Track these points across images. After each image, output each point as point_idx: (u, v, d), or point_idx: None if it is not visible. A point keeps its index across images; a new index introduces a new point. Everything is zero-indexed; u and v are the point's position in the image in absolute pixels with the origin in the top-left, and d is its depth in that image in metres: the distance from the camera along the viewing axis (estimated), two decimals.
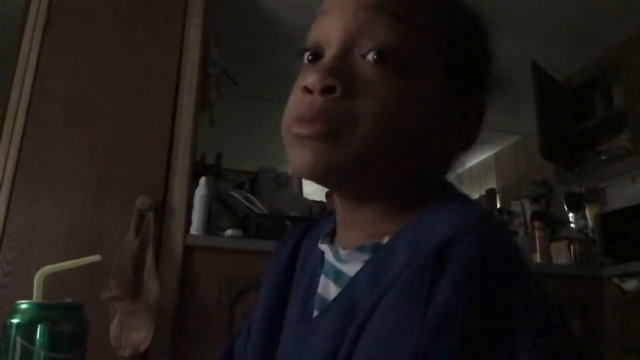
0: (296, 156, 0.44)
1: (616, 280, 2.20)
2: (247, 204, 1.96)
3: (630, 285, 2.16)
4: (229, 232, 1.80)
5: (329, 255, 0.50)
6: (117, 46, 1.92)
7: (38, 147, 1.76)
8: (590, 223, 2.78)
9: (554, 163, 2.96)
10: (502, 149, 4.11)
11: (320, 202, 2.18)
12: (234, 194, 2.03)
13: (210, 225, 1.84)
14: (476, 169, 4.39)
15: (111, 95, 1.87)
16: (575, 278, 2.17)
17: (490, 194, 3.78)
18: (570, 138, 2.96)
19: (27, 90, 1.79)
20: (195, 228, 1.79)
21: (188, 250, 1.75)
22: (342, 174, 0.44)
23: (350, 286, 0.44)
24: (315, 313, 0.48)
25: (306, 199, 2.19)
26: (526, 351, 0.31)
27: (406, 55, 0.44)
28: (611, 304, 2.16)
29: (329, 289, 0.48)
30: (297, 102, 0.45)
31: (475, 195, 4.10)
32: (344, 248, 0.49)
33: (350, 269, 0.46)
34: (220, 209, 1.97)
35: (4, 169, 1.72)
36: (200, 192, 1.82)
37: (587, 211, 2.86)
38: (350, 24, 0.45)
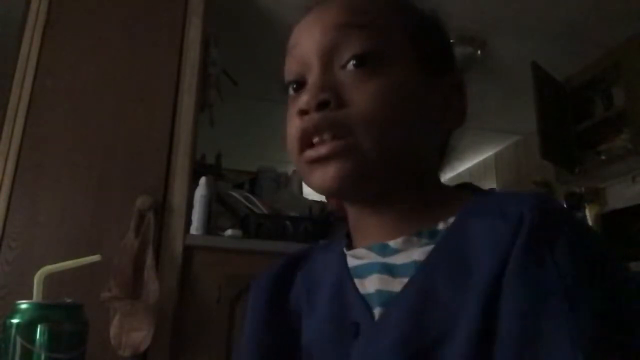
0: (319, 176, 0.46)
1: None
2: (247, 204, 1.96)
3: None
4: (229, 232, 1.80)
5: (367, 255, 0.50)
6: (117, 46, 1.92)
7: (38, 147, 1.76)
8: (590, 223, 2.78)
9: (554, 163, 2.97)
10: (502, 149, 4.11)
11: (320, 202, 2.18)
12: (234, 194, 2.03)
13: (210, 225, 1.84)
14: (476, 169, 4.39)
15: (111, 95, 1.87)
16: None
17: None
18: (570, 138, 2.96)
19: (27, 90, 1.79)
20: (195, 228, 1.79)
21: (188, 250, 1.75)
22: (368, 181, 0.47)
23: (422, 271, 0.45)
24: (378, 310, 0.47)
25: (306, 199, 2.19)
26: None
27: (381, 55, 0.47)
28: None
29: (389, 282, 0.47)
30: (297, 126, 0.47)
31: None
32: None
33: (406, 257, 0.47)
34: (220, 209, 1.97)
35: (4, 169, 1.72)
36: (200, 192, 1.82)
37: (587, 211, 2.86)
38: (323, 44, 0.48)
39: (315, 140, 0.46)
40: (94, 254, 0.57)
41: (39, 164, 1.75)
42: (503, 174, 4.07)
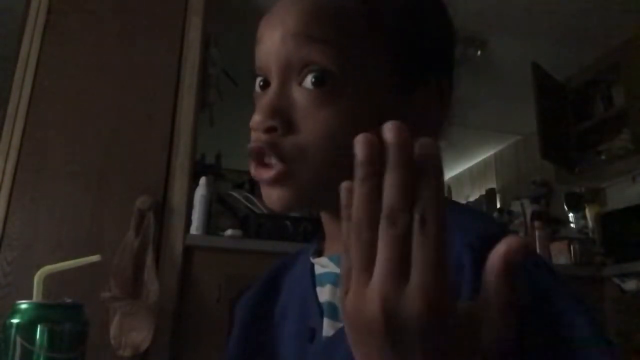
0: (265, 197, 0.48)
1: (616, 280, 2.20)
2: (247, 204, 1.96)
3: (630, 285, 2.16)
4: (229, 232, 1.80)
5: (328, 264, 0.51)
6: (117, 46, 1.92)
7: (38, 147, 1.76)
8: (590, 223, 2.78)
9: (554, 163, 2.96)
10: (502, 149, 4.11)
11: None
12: (234, 194, 2.03)
13: (210, 225, 1.84)
14: (476, 169, 4.39)
15: (111, 95, 1.87)
16: (576, 278, 2.17)
17: (490, 194, 3.78)
18: (570, 138, 2.96)
19: (27, 90, 1.79)
20: (195, 228, 1.79)
21: (188, 250, 1.75)
22: (307, 203, 0.49)
23: None
24: (326, 321, 0.48)
25: None
26: None
27: (343, 73, 0.44)
28: (611, 304, 2.16)
29: (337, 295, 0.49)
30: (252, 138, 0.47)
31: (475, 195, 4.11)
32: None
33: None
34: (220, 209, 1.97)
35: (4, 169, 1.72)
36: (200, 192, 1.82)
37: (587, 211, 2.86)
38: (281, 55, 0.46)
39: (265, 160, 0.46)
40: (94, 254, 0.56)
41: (39, 164, 1.75)
42: (503, 174, 4.07)
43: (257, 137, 0.46)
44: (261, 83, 0.49)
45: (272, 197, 0.46)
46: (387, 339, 0.28)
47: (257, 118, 0.45)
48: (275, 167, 0.45)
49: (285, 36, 0.45)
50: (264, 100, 0.46)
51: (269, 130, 0.45)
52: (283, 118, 0.45)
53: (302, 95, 0.45)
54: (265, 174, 0.45)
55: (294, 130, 0.45)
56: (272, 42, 0.46)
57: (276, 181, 0.45)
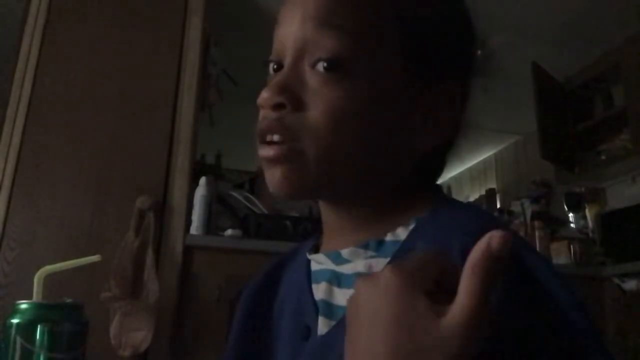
0: (269, 179, 0.47)
1: (616, 280, 2.20)
2: (247, 204, 1.96)
3: (630, 285, 2.16)
4: (229, 232, 1.80)
5: (325, 261, 0.50)
6: (117, 46, 1.92)
7: (38, 147, 1.76)
8: (590, 223, 2.78)
9: (554, 163, 2.96)
10: (502, 149, 4.11)
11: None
12: (234, 194, 2.03)
13: (210, 225, 1.84)
14: (476, 169, 4.39)
15: (111, 95, 1.87)
16: (575, 278, 2.17)
17: (490, 194, 3.78)
18: (570, 138, 2.96)
19: (27, 90, 1.79)
20: (195, 228, 1.79)
21: (188, 250, 1.75)
22: (313, 188, 0.47)
23: None
24: (321, 320, 0.47)
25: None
26: None
27: (355, 61, 0.45)
28: (611, 304, 2.16)
29: (333, 293, 0.48)
30: (260, 117, 0.47)
31: (475, 195, 4.10)
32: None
33: (351, 268, 0.47)
34: (220, 209, 1.97)
35: (4, 169, 1.72)
36: (200, 192, 1.82)
37: (587, 211, 2.86)
38: (298, 36, 0.46)
39: (268, 138, 0.46)
40: (94, 254, 0.56)
41: (39, 164, 1.75)
42: (503, 174, 4.07)
43: (264, 115, 0.46)
44: (275, 66, 0.49)
45: (277, 177, 0.45)
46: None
47: (265, 95, 0.45)
48: (281, 143, 0.45)
49: (304, 19, 0.46)
50: (276, 77, 0.47)
51: (277, 107, 0.45)
52: (292, 95, 0.45)
53: (314, 78, 0.45)
54: (271, 151, 0.45)
55: (303, 108, 0.45)
56: (292, 24, 0.47)
57: (283, 158, 0.45)
